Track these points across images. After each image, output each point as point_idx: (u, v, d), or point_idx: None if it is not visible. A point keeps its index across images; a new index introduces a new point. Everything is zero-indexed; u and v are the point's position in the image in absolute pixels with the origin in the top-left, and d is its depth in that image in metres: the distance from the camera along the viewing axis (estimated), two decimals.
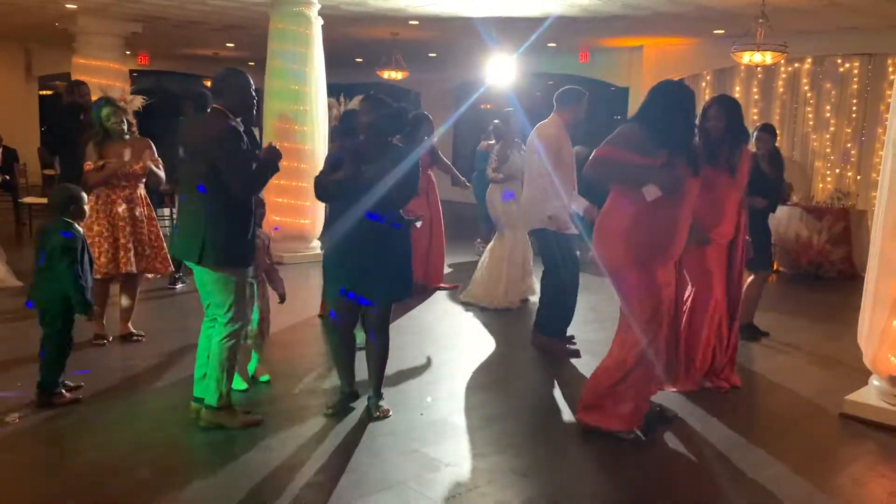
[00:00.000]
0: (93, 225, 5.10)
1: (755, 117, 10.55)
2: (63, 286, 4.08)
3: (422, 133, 6.62)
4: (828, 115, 10.40)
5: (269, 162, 3.85)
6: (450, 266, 8.31)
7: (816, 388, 4.93)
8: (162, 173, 5.49)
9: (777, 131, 6.38)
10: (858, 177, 10.16)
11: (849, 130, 10.23)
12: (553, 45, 12.20)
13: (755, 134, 6.04)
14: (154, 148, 5.49)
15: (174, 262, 5.89)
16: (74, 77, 9.81)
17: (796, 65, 10.60)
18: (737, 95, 10.40)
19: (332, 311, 4.22)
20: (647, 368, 3.92)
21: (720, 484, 3.60)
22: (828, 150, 10.45)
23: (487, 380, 4.98)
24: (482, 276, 7.04)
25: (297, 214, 8.77)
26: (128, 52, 12.61)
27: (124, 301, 5.46)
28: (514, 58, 11.51)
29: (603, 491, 3.53)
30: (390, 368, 4.38)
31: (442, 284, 7.64)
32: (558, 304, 5.57)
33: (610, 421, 3.96)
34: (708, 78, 11.56)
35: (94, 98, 6.26)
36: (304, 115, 8.75)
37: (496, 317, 6.60)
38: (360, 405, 4.24)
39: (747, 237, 4.92)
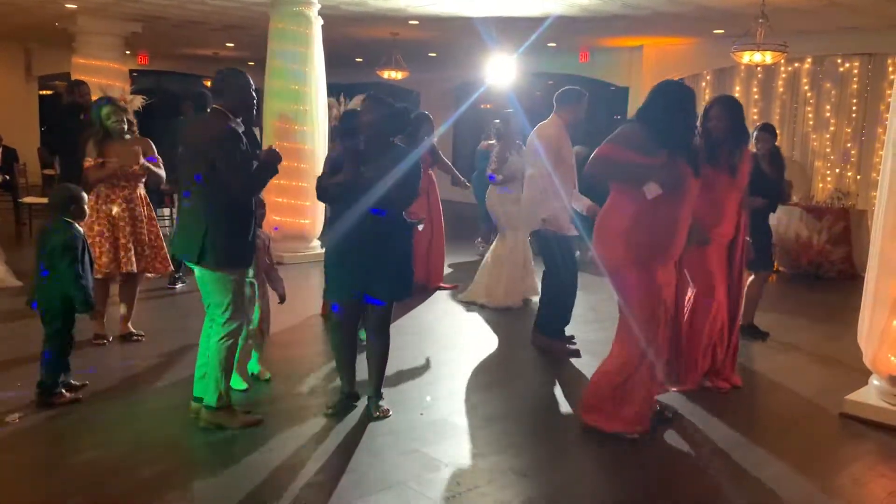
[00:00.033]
0: (93, 225, 5.10)
1: (755, 117, 10.55)
2: (64, 285, 4.08)
3: (422, 133, 6.63)
4: (828, 114, 10.40)
5: (269, 164, 3.85)
6: (450, 266, 8.31)
7: (816, 388, 4.93)
8: (162, 172, 5.49)
9: (777, 131, 6.38)
10: (858, 177, 10.16)
11: (849, 130, 10.23)
12: (553, 44, 12.19)
13: (755, 134, 6.04)
14: (154, 148, 5.49)
15: (174, 261, 5.90)
16: (74, 77, 9.81)
17: (796, 65, 10.59)
18: (737, 95, 10.38)
19: (335, 305, 4.21)
20: (647, 369, 3.92)
21: (720, 484, 3.60)
22: (828, 150, 10.44)
23: (487, 380, 4.98)
24: (483, 275, 7.05)
25: (297, 214, 8.77)
26: (127, 52, 12.61)
27: (124, 301, 5.46)
28: (514, 58, 11.51)
29: (603, 491, 3.53)
30: (390, 368, 4.38)
31: (442, 284, 7.64)
32: (558, 304, 5.57)
33: (612, 423, 3.96)
34: (708, 78, 11.56)
35: (94, 98, 6.26)
36: (304, 114, 8.75)
37: (496, 316, 6.60)
38: (360, 405, 4.24)
39: (748, 238, 4.92)
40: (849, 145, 10.24)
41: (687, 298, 4.70)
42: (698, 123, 4.53)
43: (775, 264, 8.46)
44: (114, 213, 5.20)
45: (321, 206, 8.31)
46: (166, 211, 8.76)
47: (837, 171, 10.35)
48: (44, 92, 16.47)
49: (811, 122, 10.59)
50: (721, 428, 4.20)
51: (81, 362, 4.63)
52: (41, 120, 15.91)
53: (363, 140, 4.05)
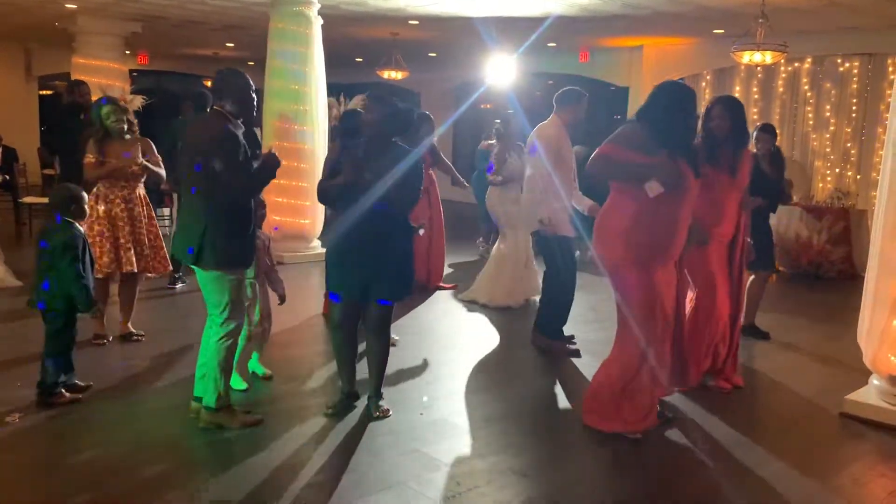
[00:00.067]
0: (93, 225, 5.10)
1: (755, 117, 10.55)
2: (65, 284, 4.09)
3: (422, 133, 6.62)
4: (828, 114, 10.40)
5: (267, 168, 3.84)
6: (450, 266, 8.31)
7: (816, 388, 4.93)
8: (163, 172, 5.49)
9: (777, 131, 6.38)
10: (858, 176, 10.16)
11: (849, 130, 10.23)
12: (553, 44, 12.19)
13: (755, 134, 6.04)
14: (154, 148, 5.49)
15: (174, 261, 5.89)
16: (74, 77, 9.81)
17: (796, 64, 10.59)
18: (737, 95, 10.37)
19: (333, 294, 4.16)
20: (649, 373, 3.92)
21: (720, 483, 3.60)
22: (828, 150, 10.44)
23: (487, 380, 4.98)
24: (485, 275, 7.07)
25: (297, 214, 8.77)
26: (127, 52, 12.60)
27: (124, 301, 5.46)
28: (514, 57, 11.51)
29: (603, 491, 3.53)
30: (390, 368, 4.38)
31: (442, 284, 7.64)
32: (558, 304, 5.58)
33: (613, 424, 3.97)
34: (708, 78, 11.56)
35: (94, 98, 6.26)
36: (304, 114, 8.75)
37: (496, 316, 6.60)
38: (360, 405, 4.24)
39: (749, 240, 4.92)
40: (849, 145, 10.24)
41: (688, 299, 4.70)
42: (699, 123, 4.54)
43: (776, 264, 8.46)
44: (113, 213, 5.20)
45: (321, 205, 8.30)
46: (166, 211, 8.76)
47: (837, 170, 10.35)
48: (44, 92, 16.47)
49: (811, 122, 10.59)
50: (721, 427, 4.20)
51: (82, 362, 4.63)
52: (41, 120, 15.91)
53: (364, 140, 4.04)
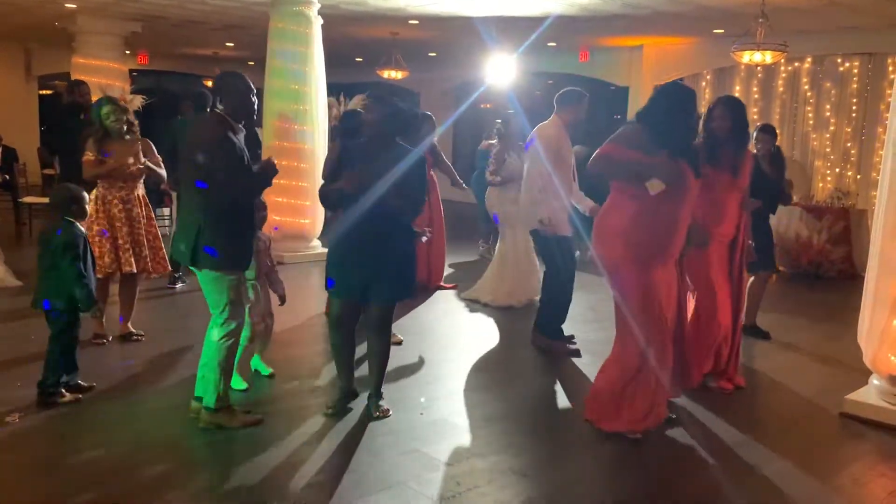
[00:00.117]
0: (93, 225, 5.11)
1: (755, 117, 10.55)
2: (66, 284, 4.09)
3: (423, 133, 6.62)
4: (828, 114, 10.40)
5: (264, 175, 3.84)
6: (450, 266, 8.31)
7: (816, 388, 4.93)
8: (163, 171, 5.50)
9: (777, 131, 6.38)
10: (858, 176, 10.16)
11: (849, 130, 10.23)
12: (553, 44, 12.19)
13: (755, 134, 6.04)
14: (154, 149, 5.49)
15: (173, 261, 5.89)
16: (74, 77, 9.81)
17: (796, 64, 10.59)
18: (737, 95, 10.37)
19: (329, 280, 4.09)
20: (650, 374, 3.91)
21: (721, 483, 3.60)
22: (828, 150, 10.44)
23: (487, 379, 4.98)
24: (488, 274, 7.09)
25: (297, 214, 8.77)
26: (127, 52, 12.60)
27: (124, 301, 5.46)
28: (513, 57, 11.51)
29: (603, 491, 3.53)
30: (390, 368, 4.38)
31: (442, 284, 7.64)
32: (557, 304, 5.58)
33: (613, 424, 3.97)
34: (708, 77, 11.56)
35: (94, 98, 6.26)
36: (304, 114, 8.75)
37: (497, 316, 6.60)
38: (360, 405, 4.24)
39: (750, 241, 4.92)
40: (849, 145, 10.24)
41: (689, 299, 4.70)
42: (700, 123, 4.54)
43: (777, 264, 8.45)
44: (111, 213, 5.20)
45: (321, 205, 8.30)
46: (166, 211, 8.75)
47: (837, 170, 10.35)
48: (44, 92, 16.47)
49: (811, 122, 10.59)
50: (721, 427, 4.20)
51: (82, 362, 4.63)
52: (41, 120, 15.91)
53: (364, 140, 4.04)
